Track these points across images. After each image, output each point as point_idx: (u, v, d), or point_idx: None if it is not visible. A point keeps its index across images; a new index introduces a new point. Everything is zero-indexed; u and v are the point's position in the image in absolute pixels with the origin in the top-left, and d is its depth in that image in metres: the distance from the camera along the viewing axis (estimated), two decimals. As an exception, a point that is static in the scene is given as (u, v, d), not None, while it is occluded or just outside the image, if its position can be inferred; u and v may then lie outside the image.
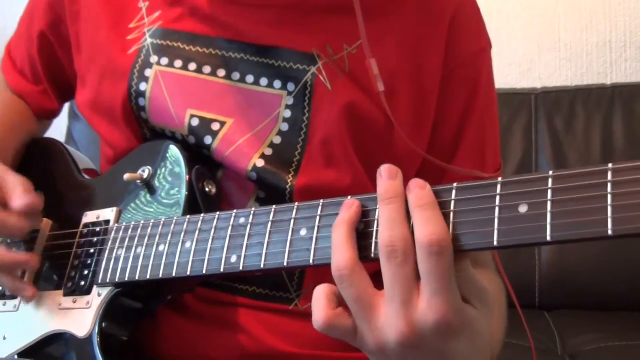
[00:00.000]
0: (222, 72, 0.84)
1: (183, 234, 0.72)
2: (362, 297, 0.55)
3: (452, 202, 0.55)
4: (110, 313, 0.78)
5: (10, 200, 0.81)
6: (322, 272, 0.62)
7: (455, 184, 0.56)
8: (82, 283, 0.80)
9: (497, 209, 0.52)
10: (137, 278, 0.74)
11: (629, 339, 1.68)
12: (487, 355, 0.64)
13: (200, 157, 0.83)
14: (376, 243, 0.57)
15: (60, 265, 0.84)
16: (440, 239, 0.52)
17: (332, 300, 0.57)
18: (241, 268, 0.65)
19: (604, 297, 1.89)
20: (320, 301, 0.57)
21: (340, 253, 0.56)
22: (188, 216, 0.73)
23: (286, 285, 0.84)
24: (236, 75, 0.84)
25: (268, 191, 0.82)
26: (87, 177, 0.94)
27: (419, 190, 0.55)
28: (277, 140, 0.82)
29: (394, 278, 0.54)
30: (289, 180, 0.81)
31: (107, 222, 0.83)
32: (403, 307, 0.54)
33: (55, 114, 1.08)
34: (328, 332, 0.57)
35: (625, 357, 1.62)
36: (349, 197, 0.60)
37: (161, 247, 0.73)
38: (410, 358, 0.56)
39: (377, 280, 0.56)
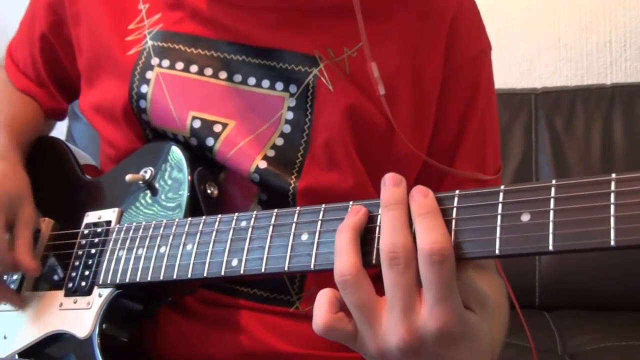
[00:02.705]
0: (223, 74, 0.84)
1: (184, 236, 0.72)
2: (365, 303, 0.56)
3: (454, 210, 0.55)
4: (110, 314, 0.78)
5: (19, 243, 0.84)
6: (323, 276, 0.62)
7: (457, 192, 0.55)
8: (83, 283, 0.80)
9: (499, 217, 0.52)
10: (137, 280, 0.74)
11: (629, 339, 1.68)
12: (487, 359, 0.64)
13: (202, 158, 0.83)
14: (378, 250, 0.57)
15: (61, 265, 0.84)
16: (443, 247, 0.52)
17: (334, 305, 0.57)
18: (242, 272, 0.65)
19: (604, 297, 1.88)
20: (321, 305, 0.57)
21: (344, 258, 0.56)
22: (189, 218, 0.73)
23: (287, 288, 0.84)
24: (238, 78, 0.84)
25: (270, 193, 0.82)
26: (89, 177, 0.93)
27: (422, 198, 0.55)
28: (280, 142, 0.82)
29: (395, 285, 0.54)
30: (291, 182, 0.81)
31: (109, 222, 0.83)
32: (404, 314, 0.54)
33: (63, 113, 1.08)
34: (327, 336, 0.57)
35: (625, 357, 1.62)
36: (351, 202, 0.60)
37: (162, 249, 0.73)
38: None
39: (377, 282, 0.56)
